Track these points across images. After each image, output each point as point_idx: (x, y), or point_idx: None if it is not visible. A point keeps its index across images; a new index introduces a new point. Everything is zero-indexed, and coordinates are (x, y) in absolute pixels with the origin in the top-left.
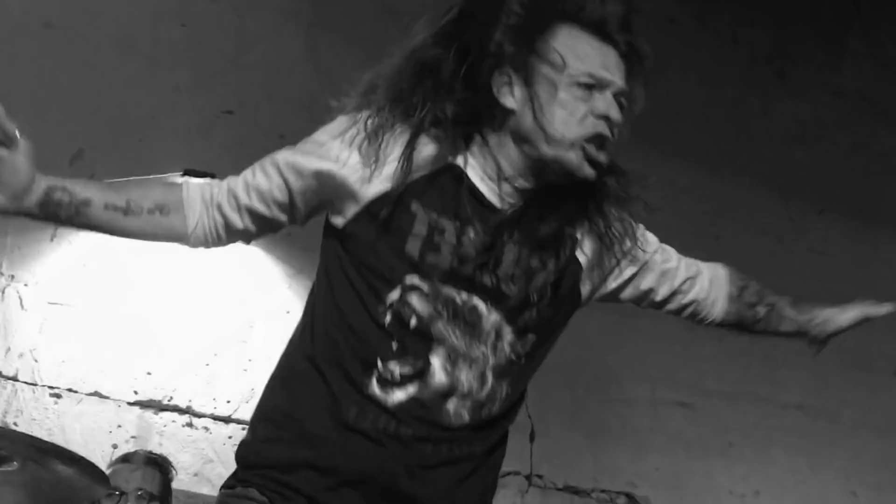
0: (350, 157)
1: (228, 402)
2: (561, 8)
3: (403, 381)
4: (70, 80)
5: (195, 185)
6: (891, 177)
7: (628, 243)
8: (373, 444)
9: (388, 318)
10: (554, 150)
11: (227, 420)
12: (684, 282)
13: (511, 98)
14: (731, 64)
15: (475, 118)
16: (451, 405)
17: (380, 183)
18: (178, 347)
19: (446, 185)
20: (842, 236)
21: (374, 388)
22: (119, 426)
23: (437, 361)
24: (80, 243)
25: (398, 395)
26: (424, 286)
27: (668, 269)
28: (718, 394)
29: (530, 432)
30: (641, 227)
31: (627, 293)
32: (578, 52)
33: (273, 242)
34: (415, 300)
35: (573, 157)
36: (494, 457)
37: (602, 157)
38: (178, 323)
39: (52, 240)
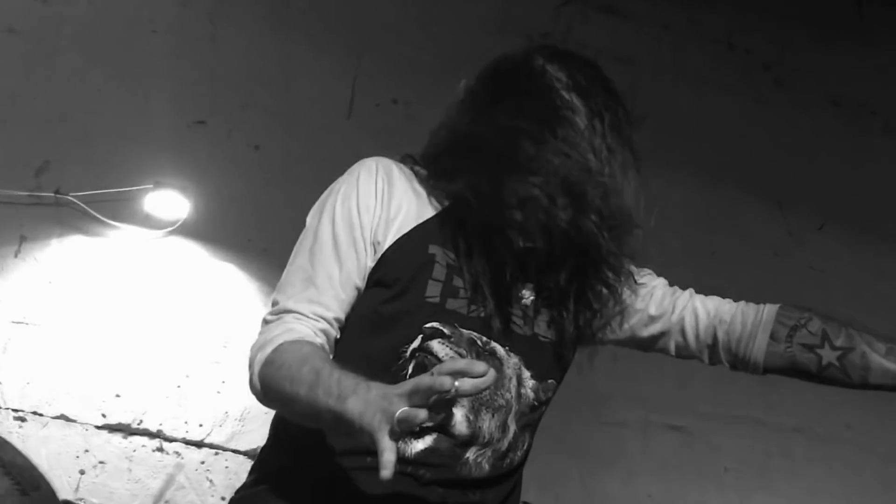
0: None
1: (201, 425)
2: None
3: (423, 433)
4: (34, 89)
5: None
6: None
7: (629, 285)
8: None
9: (409, 370)
10: None
11: (199, 445)
12: (679, 298)
13: None
14: (726, 71)
15: None
16: (471, 455)
17: (396, 227)
18: (149, 368)
19: (458, 221)
20: (843, 252)
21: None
22: (86, 451)
23: (459, 412)
24: (45, 259)
25: (417, 446)
26: (446, 330)
27: (664, 291)
28: (713, 416)
29: None
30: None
31: (640, 329)
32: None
33: (248, 258)
34: (436, 347)
35: None
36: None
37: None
38: (149, 342)
39: (15, 256)
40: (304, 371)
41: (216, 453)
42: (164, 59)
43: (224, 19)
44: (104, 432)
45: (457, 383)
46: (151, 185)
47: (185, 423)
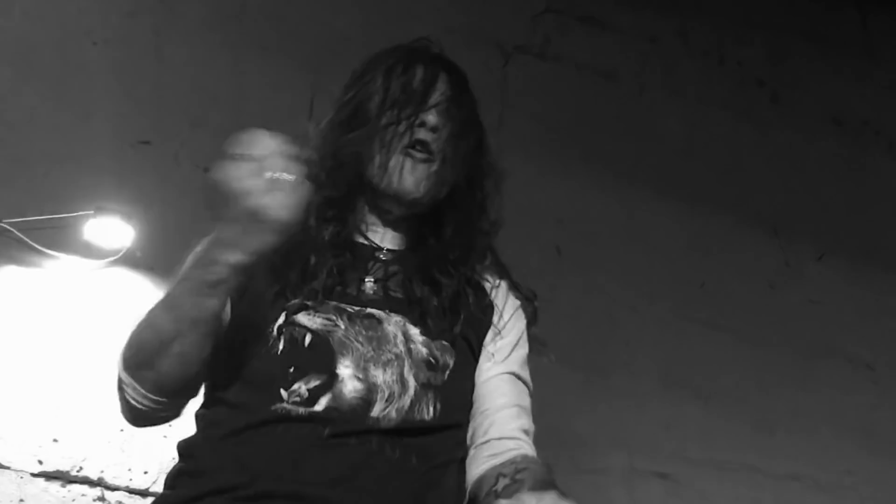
0: None
1: (146, 472)
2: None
3: (314, 395)
4: None
5: None
6: None
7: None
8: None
9: (280, 346)
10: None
11: (143, 493)
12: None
13: None
14: (718, 87)
15: None
16: (376, 410)
17: None
18: (89, 411)
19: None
20: (845, 285)
21: (286, 405)
22: (21, 500)
23: (345, 371)
24: None
25: (316, 408)
26: (309, 304)
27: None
28: (703, 463)
29: None
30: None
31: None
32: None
33: None
34: (303, 318)
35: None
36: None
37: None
38: (89, 383)
39: None
40: (151, 308)
41: None
42: (106, 73)
43: (171, 31)
44: (40, 480)
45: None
46: (92, 211)
47: (129, 470)
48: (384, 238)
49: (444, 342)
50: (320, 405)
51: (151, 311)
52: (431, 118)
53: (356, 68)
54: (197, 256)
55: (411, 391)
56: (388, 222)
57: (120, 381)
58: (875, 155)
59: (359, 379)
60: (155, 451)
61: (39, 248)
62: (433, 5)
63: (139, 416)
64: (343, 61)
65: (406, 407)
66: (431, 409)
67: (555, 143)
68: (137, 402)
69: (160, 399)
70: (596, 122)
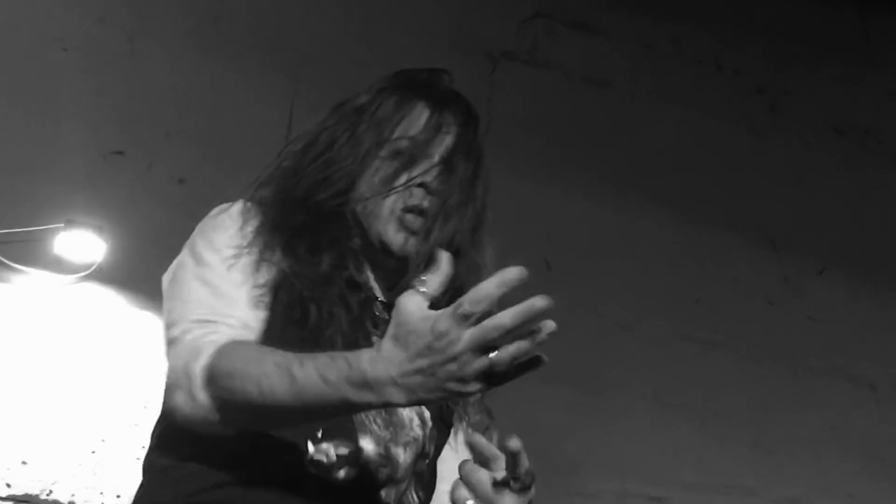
0: None
1: (118, 496)
2: None
3: (340, 463)
4: None
5: None
6: None
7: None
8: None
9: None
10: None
11: None
12: None
13: None
14: (714, 95)
15: None
16: (385, 493)
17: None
18: (59, 432)
19: None
20: (846, 301)
21: (310, 467)
22: None
23: (368, 446)
24: None
25: (340, 474)
26: None
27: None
28: (699, 487)
29: None
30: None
31: None
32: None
33: None
34: None
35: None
36: None
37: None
38: (59, 403)
39: None
40: (268, 364)
41: None
42: (77, 81)
43: (145, 36)
44: None
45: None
46: (62, 224)
47: (101, 493)
48: (377, 276)
49: (435, 429)
50: (341, 473)
51: (272, 370)
52: (432, 180)
53: (364, 88)
54: (350, 363)
55: (408, 476)
56: (376, 263)
57: (191, 393)
58: (877, 165)
59: (381, 456)
60: (127, 474)
61: (7, 262)
62: (418, 10)
63: (190, 424)
64: (324, 69)
65: (402, 491)
66: (416, 497)
67: (544, 154)
68: (199, 421)
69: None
70: (587, 131)
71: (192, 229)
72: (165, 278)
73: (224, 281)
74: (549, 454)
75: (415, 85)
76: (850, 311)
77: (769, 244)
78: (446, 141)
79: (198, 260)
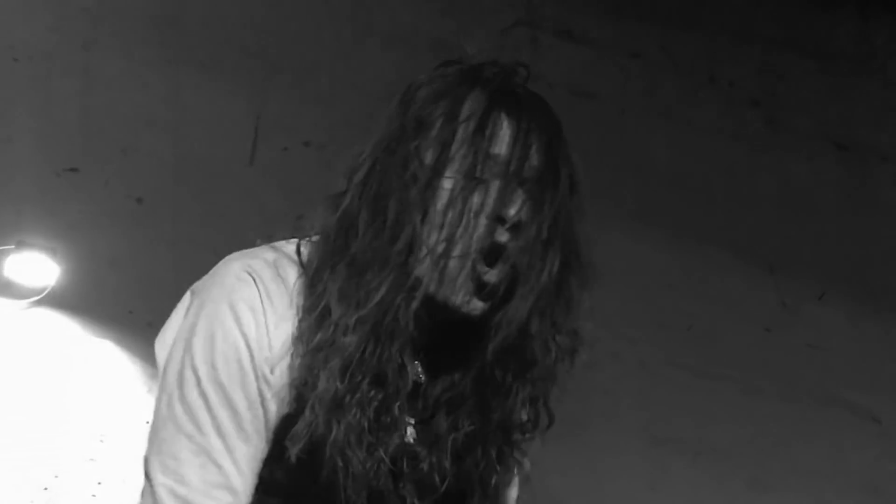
0: None
1: None
2: None
3: None
4: None
5: None
6: None
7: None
8: None
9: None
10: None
11: None
12: None
13: None
14: (707, 109)
15: None
16: None
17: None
18: (10, 467)
19: None
20: (847, 327)
21: None
22: None
23: None
24: None
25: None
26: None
27: None
28: None
29: None
30: None
31: None
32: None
33: (129, 334)
34: None
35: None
36: None
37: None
38: (10, 436)
39: None
40: None
41: None
42: (29, 93)
43: (101, 46)
44: None
45: None
46: (13, 246)
47: None
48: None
49: None
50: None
51: None
52: (513, 212)
53: (418, 80)
54: None
55: None
56: (418, 322)
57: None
58: (881, 183)
59: None
60: None
61: None
62: (392, 17)
63: None
64: (292, 80)
65: None
66: None
67: None
68: None
69: None
70: (572, 146)
71: (151, 252)
72: (160, 353)
73: (227, 450)
74: (531, 492)
75: (479, 88)
76: (851, 338)
77: (766, 266)
78: (531, 156)
79: (199, 401)
